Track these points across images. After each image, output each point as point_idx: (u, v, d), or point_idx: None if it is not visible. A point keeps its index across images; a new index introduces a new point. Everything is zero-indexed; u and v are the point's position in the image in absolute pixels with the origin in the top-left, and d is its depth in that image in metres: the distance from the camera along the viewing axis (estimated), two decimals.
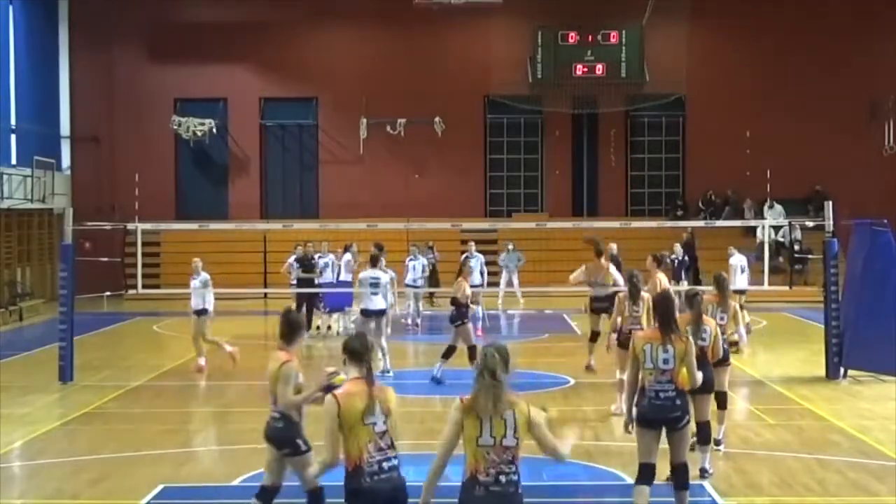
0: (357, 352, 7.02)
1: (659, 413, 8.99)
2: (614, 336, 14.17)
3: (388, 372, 17.57)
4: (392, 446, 6.81)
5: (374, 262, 18.14)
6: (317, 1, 35.42)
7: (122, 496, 10.70)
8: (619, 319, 14.13)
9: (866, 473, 11.41)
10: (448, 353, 17.08)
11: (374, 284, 17.67)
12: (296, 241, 24.56)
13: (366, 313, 17.73)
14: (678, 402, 9.00)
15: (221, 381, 18.16)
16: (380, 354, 17.15)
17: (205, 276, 18.91)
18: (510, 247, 30.00)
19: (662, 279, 15.76)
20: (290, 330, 8.74)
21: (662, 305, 9.23)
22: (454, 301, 17.14)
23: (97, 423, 14.56)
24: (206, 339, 18.77)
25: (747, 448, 12.59)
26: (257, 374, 19.24)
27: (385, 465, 6.79)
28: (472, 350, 16.42)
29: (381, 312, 17.67)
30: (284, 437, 8.66)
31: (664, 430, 9.10)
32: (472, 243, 26.24)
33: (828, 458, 12.00)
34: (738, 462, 11.88)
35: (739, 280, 22.61)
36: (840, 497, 10.55)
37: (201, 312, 18.75)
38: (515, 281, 29.57)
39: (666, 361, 8.96)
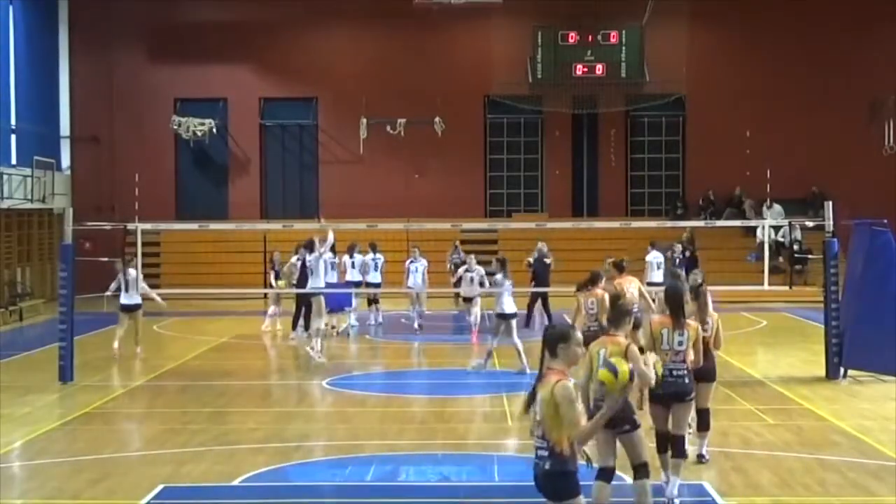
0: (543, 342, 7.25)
1: (671, 388, 10.15)
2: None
3: (525, 371, 17.36)
4: (543, 437, 6.98)
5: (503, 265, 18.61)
6: (317, 1, 35.42)
7: (122, 496, 10.68)
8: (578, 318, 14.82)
9: (866, 473, 11.40)
10: None
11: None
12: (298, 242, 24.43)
13: (501, 316, 17.92)
14: (687, 380, 10.28)
15: (221, 381, 18.16)
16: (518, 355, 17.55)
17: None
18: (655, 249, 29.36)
19: (630, 285, 16.12)
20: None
21: (673, 297, 10.46)
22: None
23: (97, 423, 14.55)
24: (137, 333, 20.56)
25: (747, 448, 12.59)
26: (257, 374, 19.32)
27: (539, 452, 7.03)
28: None
29: (513, 315, 17.87)
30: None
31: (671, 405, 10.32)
32: (472, 257, 23.39)
33: (828, 458, 12.00)
34: (738, 462, 11.87)
35: (655, 275, 24.83)
36: (840, 497, 10.54)
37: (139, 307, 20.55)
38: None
39: (681, 343, 10.26)
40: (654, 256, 25.46)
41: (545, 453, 6.92)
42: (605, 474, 9.04)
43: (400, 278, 25.61)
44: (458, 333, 24.15)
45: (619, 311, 9.72)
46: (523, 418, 7.31)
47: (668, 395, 10.17)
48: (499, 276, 18.36)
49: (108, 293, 21.72)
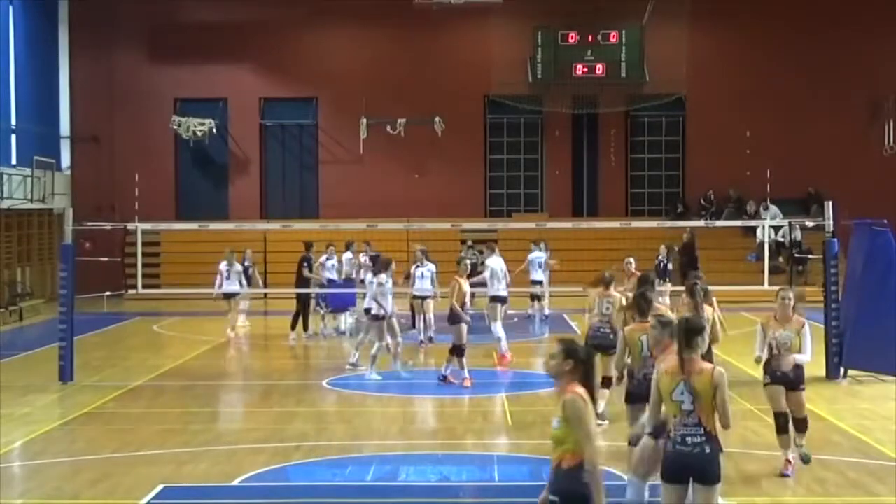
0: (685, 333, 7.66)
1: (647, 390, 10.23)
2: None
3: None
4: (699, 424, 7.29)
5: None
6: (317, 1, 35.40)
7: (122, 496, 10.69)
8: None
9: (866, 473, 11.41)
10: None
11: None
12: (329, 243, 24.24)
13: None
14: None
15: (221, 381, 18.17)
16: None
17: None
18: (541, 245, 29.24)
19: (464, 284, 17.26)
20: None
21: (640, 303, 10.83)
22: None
23: (97, 423, 14.56)
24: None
25: (747, 448, 12.58)
26: (257, 374, 19.32)
27: (689, 439, 7.32)
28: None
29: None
30: None
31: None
32: (420, 251, 21.59)
33: (828, 458, 11.99)
34: (738, 462, 11.87)
35: (536, 274, 26.09)
36: (840, 497, 10.55)
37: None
38: (545, 280, 29.07)
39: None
40: (536, 256, 26.15)
41: (702, 439, 7.28)
42: None
43: (398, 278, 25.46)
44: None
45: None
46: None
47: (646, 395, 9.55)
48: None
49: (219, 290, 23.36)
